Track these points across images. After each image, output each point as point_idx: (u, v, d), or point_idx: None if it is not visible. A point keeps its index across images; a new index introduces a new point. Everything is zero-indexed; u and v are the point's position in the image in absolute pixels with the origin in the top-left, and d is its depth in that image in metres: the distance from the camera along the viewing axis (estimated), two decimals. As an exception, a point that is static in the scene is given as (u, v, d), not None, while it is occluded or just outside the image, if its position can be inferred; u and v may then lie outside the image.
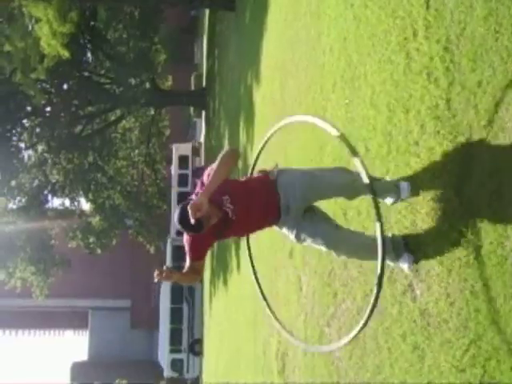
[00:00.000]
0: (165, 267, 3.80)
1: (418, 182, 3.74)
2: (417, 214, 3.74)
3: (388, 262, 3.93)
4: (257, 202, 3.73)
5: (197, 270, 3.99)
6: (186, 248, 3.95)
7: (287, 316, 6.84)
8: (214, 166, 3.71)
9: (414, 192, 3.77)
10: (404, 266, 3.78)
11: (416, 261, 3.68)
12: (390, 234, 3.91)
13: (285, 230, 3.88)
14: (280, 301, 7.35)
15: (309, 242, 3.96)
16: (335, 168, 4.21)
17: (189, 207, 3.42)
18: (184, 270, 3.97)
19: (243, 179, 4.05)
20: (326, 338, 5.39)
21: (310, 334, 5.92)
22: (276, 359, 7.55)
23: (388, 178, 3.95)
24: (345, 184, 3.82)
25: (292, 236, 3.87)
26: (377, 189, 3.72)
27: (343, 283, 4.99)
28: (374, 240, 3.83)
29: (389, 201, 3.93)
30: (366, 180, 3.29)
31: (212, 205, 3.58)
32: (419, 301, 3.64)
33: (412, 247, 3.74)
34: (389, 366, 4.02)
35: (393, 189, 3.87)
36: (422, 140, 3.73)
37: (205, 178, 3.73)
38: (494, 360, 2.90)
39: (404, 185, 3.82)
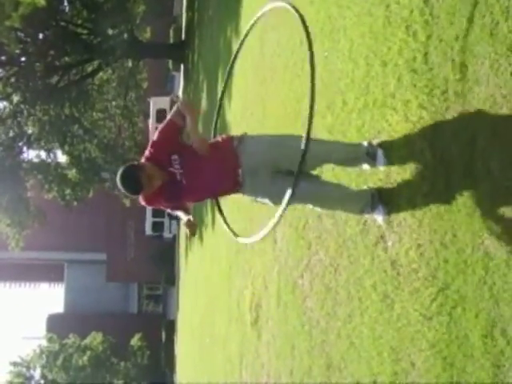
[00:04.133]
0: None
1: (392, 135, 3.77)
2: (391, 166, 3.78)
3: (364, 214, 4.01)
4: (208, 166, 3.71)
5: (184, 207, 4.20)
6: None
7: (262, 267, 6.94)
8: (163, 124, 3.80)
9: (389, 158, 3.80)
10: (378, 217, 3.84)
11: (389, 212, 3.75)
12: (365, 187, 3.97)
13: (254, 196, 3.91)
14: (255, 252, 7.44)
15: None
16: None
17: (199, 149, 3.62)
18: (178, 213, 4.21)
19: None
20: (299, 288, 5.49)
21: (284, 285, 6.01)
22: (250, 311, 7.67)
23: (365, 143, 3.93)
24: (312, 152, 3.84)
25: (266, 200, 3.89)
26: (352, 157, 3.80)
27: (317, 235, 5.06)
28: (354, 193, 3.94)
29: (366, 167, 3.97)
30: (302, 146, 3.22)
31: (155, 166, 3.63)
32: (390, 251, 3.72)
33: (385, 199, 3.79)
34: (359, 315, 4.12)
35: (367, 159, 3.90)
36: (398, 93, 3.76)
37: (146, 153, 3.75)
38: (460, 308, 2.99)
39: (380, 154, 3.85)
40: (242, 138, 3.81)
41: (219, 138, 3.96)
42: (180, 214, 4.22)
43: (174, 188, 3.75)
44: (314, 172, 4.04)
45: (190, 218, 4.10)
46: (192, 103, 4.37)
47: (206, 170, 3.72)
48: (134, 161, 3.93)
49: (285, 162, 3.81)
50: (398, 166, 3.70)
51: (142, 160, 3.76)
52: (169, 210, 4.31)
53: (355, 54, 4.53)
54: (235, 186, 3.84)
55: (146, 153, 3.76)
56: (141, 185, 3.59)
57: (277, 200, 4.00)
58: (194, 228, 4.16)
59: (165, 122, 3.85)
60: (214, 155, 3.75)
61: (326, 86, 5.10)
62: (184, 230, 4.57)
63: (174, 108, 3.81)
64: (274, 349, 6.35)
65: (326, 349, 4.72)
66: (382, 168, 3.84)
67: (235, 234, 3.93)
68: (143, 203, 3.96)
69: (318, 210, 4.38)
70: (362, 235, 4.13)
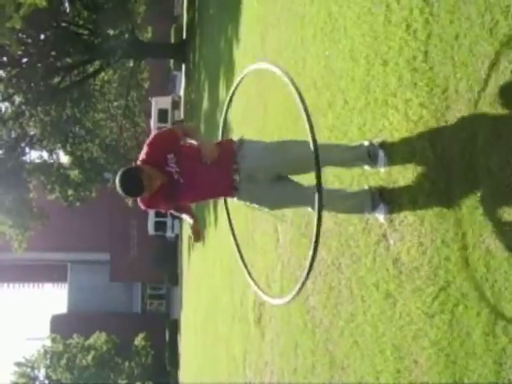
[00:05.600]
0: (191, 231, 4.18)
1: (393, 134, 3.79)
2: (392, 165, 3.79)
3: (365, 213, 4.03)
4: (206, 166, 3.70)
5: (187, 209, 4.25)
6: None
7: (264, 266, 6.95)
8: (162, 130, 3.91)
9: (390, 157, 3.81)
10: (380, 216, 3.86)
11: (390, 211, 3.76)
12: (366, 186, 3.98)
13: (249, 201, 3.91)
14: (257, 251, 7.45)
15: (283, 206, 4.22)
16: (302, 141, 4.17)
17: (207, 155, 3.64)
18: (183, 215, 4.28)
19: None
20: (302, 287, 5.49)
21: (286, 285, 6.03)
22: (253, 309, 7.70)
23: (366, 143, 3.94)
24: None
25: (263, 206, 3.95)
26: (353, 159, 3.85)
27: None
28: (356, 193, 3.96)
29: (367, 168, 3.98)
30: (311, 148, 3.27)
31: (154, 167, 3.65)
32: (392, 250, 3.73)
33: (387, 198, 3.81)
34: (362, 313, 4.13)
35: (368, 160, 3.90)
36: (399, 92, 3.77)
37: (142, 156, 3.75)
38: (461, 306, 3.00)
39: (381, 155, 3.85)
40: (242, 143, 3.80)
41: (220, 141, 3.98)
42: (185, 217, 4.25)
43: (172, 188, 3.75)
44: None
45: (194, 222, 4.16)
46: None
47: (203, 169, 3.72)
48: (134, 162, 3.95)
49: (284, 168, 3.83)
50: (400, 164, 3.71)
51: (138, 163, 3.74)
52: (172, 211, 4.33)
53: (356, 53, 4.54)
54: (230, 190, 3.84)
55: (142, 155, 3.75)
56: (142, 186, 3.57)
57: (274, 206, 4.04)
58: (199, 235, 4.20)
59: (165, 129, 3.92)
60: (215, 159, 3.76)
61: (326, 85, 5.12)
62: (189, 234, 4.59)
63: (180, 125, 3.87)
64: (277, 347, 6.37)
65: (329, 347, 4.74)
66: (382, 169, 3.85)
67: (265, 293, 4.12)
68: (143, 207, 3.96)
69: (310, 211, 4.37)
70: (364, 234, 4.15)
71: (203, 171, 3.72)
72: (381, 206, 3.82)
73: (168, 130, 3.90)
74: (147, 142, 3.78)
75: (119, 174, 3.61)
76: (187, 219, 4.25)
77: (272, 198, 3.87)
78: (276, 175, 3.83)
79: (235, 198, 3.93)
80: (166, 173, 3.69)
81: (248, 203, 3.94)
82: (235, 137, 3.94)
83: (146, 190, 3.61)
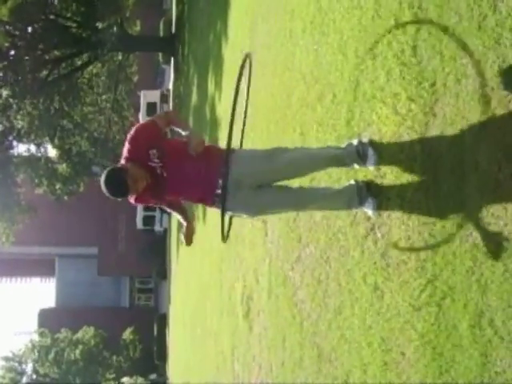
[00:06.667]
0: (182, 234, 4.09)
1: (382, 128, 3.80)
2: (380, 159, 3.80)
3: (352, 209, 4.04)
4: (190, 164, 3.65)
5: (179, 207, 4.21)
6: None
7: (252, 260, 6.97)
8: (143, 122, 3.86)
9: (378, 151, 3.82)
10: (368, 210, 3.86)
11: (379, 205, 3.77)
12: (353, 181, 3.98)
13: (232, 210, 3.78)
14: (246, 246, 7.47)
15: (268, 212, 4.21)
16: (295, 149, 4.08)
17: (194, 147, 3.58)
18: (177, 215, 4.21)
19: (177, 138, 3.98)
20: (290, 281, 5.52)
21: (275, 278, 6.05)
22: (241, 303, 7.71)
23: (355, 142, 3.92)
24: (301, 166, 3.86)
25: (244, 214, 3.93)
26: (342, 160, 3.87)
27: (307, 228, 5.09)
28: (342, 190, 3.97)
29: (356, 167, 3.98)
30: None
31: (138, 168, 3.59)
32: (380, 243, 3.75)
33: (375, 192, 3.82)
34: (349, 306, 4.15)
35: (357, 160, 3.88)
36: (387, 86, 3.78)
37: (124, 153, 3.70)
38: (448, 299, 3.02)
39: (370, 153, 3.84)
40: (233, 150, 3.72)
41: (213, 145, 3.96)
42: (179, 217, 4.18)
43: (157, 183, 3.71)
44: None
45: (187, 224, 4.08)
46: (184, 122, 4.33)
47: (187, 164, 3.65)
48: (116, 163, 3.86)
49: (273, 176, 3.82)
50: (388, 159, 3.72)
51: (122, 161, 3.69)
52: (165, 207, 4.27)
53: (345, 46, 4.55)
54: (211, 196, 3.72)
55: (124, 153, 3.69)
56: (127, 188, 3.53)
57: (257, 212, 4.03)
58: (191, 238, 4.09)
59: (146, 120, 3.83)
60: (201, 156, 3.68)
61: (315, 79, 5.12)
62: (180, 236, 4.49)
63: (161, 112, 3.80)
64: (265, 341, 6.39)
65: (316, 340, 4.76)
66: (372, 168, 3.85)
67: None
68: (132, 202, 3.95)
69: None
70: (352, 227, 4.16)
71: (187, 166, 3.66)
72: (369, 201, 3.83)
73: (149, 122, 3.79)
74: (128, 137, 3.71)
75: (104, 175, 3.56)
76: (180, 220, 4.18)
77: (257, 205, 3.84)
78: (260, 183, 3.78)
79: (213, 207, 3.84)
80: (148, 168, 3.65)
81: (230, 212, 3.82)
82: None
83: (130, 191, 3.58)
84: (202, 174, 3.68)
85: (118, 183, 3.53)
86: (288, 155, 3.79)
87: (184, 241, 4.10)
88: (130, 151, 3.68)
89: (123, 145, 3.78)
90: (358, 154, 3.84)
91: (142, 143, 3.66)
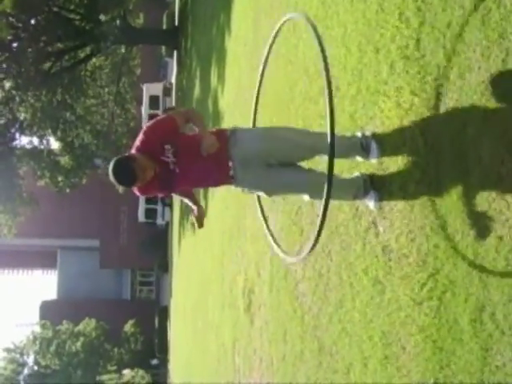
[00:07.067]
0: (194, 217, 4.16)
1: (385, 121, 3.79)
2: (383, 152, 3.80)
3: (356, 200, 4.04)
4: (202, 157, 3.66)
5: (188, 194, 4.23)
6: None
7: (254, 253, 6.97)
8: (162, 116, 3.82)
9: (381, 145, 3.81)
10: (370, 203, 3.87)
11: (380, 198, 3.77)
12: (359, 173, 3.98)
13: (248, 188, 3.90)
14: (247, 238, 7.47)
15: (281, 192, 4.23)
16: (300, 130, 4.17)
17: (206, 148, 3.55)
18: (185, 200, 4.26)
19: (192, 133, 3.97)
20: (292, 274, 5.53)
21: (276, 271, 6.05)
22: (242, 297, 7.72)
23: (359, 134, 3.92)
24: (304, 145, 3.83)
25: (260, 192, 3.96)
26: (345, 150, 3.85)
27: (309, 221, 5.09)
28: (348, 179, 3.96)
29: (359, 159, 3.98)
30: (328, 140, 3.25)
31: (146, 156, 3.60)
32: (382, 237, 3.75)
33: (377, 185, 3.82)
34: (351, 299, 4.15)
35: (360, 151, 3.90)
36: (390, 79, 3.77)
37: (137, 143, 3.70)
38: (449, 293, 3.02)
39: (373, 146, 3.85)
40: (234, 131, 3.78)
41: (213, 130, 3.93)
42: (187, 201, 4.23)
43: (166, 177, 3.72)
44: (302, 164, 4.04)
45: (197, 208, 4.13)
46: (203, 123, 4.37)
47: (200, 162, 3.68)
48: (126, 149, 3.89)
49: (278, 154, 3.81)
50: (390, 152, 3.72)
51: (133, 151, 3.69)
52: (177, 195, 4.32)
53: (348, 40, 4.54)
54: (227, 179, 3.82)
55: (137, 143, 3.70)
56: (135, 177, 3.54)
57: (271, 192, 4.04)
58: (202, 221, 4.17)
59: (165, 115, 3.83)
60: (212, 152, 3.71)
61: (318, 72, 5.11)
62: (191, 220, 4.62)
63: (183, 110, 3.81)
64: (266, 334, 6.40)
65: (317, 333, 4.76)
66: (374, 160, 3.86)
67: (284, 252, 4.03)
68: (137, 193, 3.96)
69: (306, 199, 4.34)
70: (354, 221, 4.16)
71: (199, 163, 3.69)
72: (371, 193, 3.84)
73: (168, 118, 3.80)
74: (145, 128, 3.73)
75: (112, 163, 3.57)
76: (190, 204, 4.23)
77: (268, 185, 3.86)
78: (268, 161, 3.81)
79: (233, 186, 3.92)
80: (160, 162, 3.66)
81: (246, 190, 3.93)
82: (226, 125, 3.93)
83: (138, 180, 3.58)
84: (213, 166, 3.72)
85: (127, 171, 3.54)
86: (288, 135, 3.83)
87: (196, 223, 4.17)
88: (143, 142, 3.68)
89: (125, 137, 3.79)
90: (362, 147, 3.85)
91: (158, 136, 3.67)
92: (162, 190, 3.99)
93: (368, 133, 3.91)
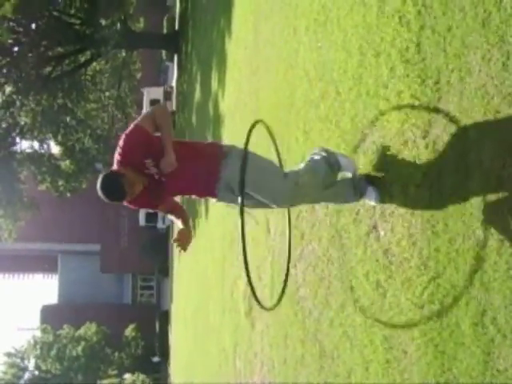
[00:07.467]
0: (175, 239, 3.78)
1: (385, 125, 3.79)
2: (384, 156, 3.80)
3: (357, 201, 4.02)
4: (189, 169, 3.56)
5: (176, 207, 4.04)
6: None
7: (255, 258, 6.96)
8: (129, 129, 3.53)
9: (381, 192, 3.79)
10: (371, 201, 3.83)
11: (381, 201, 3.77)
12: (349, 175, 3.94)
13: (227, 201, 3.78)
14: (248, 243, 7.44)
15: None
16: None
17: (164, 167, 3.42)
18: (171, 217, 4.03)
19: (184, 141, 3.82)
20: (293, 278, 5.51)
21: (277, 275, 6.04)
22: (243, 301, 7.71)
23: (349, 174, 3.88)
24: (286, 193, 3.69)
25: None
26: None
27: (310, 225, 5.08)
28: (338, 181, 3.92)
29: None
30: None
31: (133, 172, 3.48)
32: (383, 241, 3.74)
33: (376, 182, 3.81)
34: (352, 304, 4.14)
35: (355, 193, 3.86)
36: (391, 83, 3.77)
37: (118, 157, 3.52)
38: (451, 296, 3.02)
39: (369, 189, 3.82)
40: (230, 152, 3.61)
41: (208, 143, 3.84)
42: (173, 218, 4.01)
43: (155, 187, 3.62)
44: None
45: (182, 229, 3.86)
46: (169, 114, 4.03)
47: (186, 171, 3.56)
48: (111, 167, 3.70)
49: (261, 190, 3.66)
50: (391, 155, 3.72)
51: (115, 166, 3.52)
52: (163, 211, 4.12)
53: (348, 44, 4.54)
54: (210, 194, 3.71)
55: (117, 157, 3.51)
56: (124, 193, 3.43)
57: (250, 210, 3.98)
58: (185, 241, 3.81)
59: (131, 126, 3.55)
60: (197, 159, 3.60)
61: (319, 77, 5.12)
62: (174, 239, 4.13)
63: (148, 110, 3.64)
64: (267, 338, 6.39)
65: (318, 337, 4.75)
66: (373, 203, 3.86)
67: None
68: (130, 206, 3.86)
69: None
70: (355, 225, 4.16)
71: (187, 171, 3.57)
72: (370, 190, 3.81)
73: (136, 129, 3.51)
74: (119, 148, 3.52)
75: (100, 179, 3.44)
76: (175, 220, 4.02)
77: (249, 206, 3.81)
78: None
79: (215, 200, 3.80)
80: (145, 174, 3.55)
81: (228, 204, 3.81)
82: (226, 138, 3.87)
83: (127, 195, 3.47)
84: (199, 176, 3.61)
85: (115, 188, 3.43)
86: (278, 180, 3.66)
87: (177, 247, 3.82)
88: (123, 157, 3.51)
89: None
90: (355, 189, 3.83)
91: (135, 155, 3.51)
92: (153, 200, 3.81)
93: (357, 174, 3.88)
